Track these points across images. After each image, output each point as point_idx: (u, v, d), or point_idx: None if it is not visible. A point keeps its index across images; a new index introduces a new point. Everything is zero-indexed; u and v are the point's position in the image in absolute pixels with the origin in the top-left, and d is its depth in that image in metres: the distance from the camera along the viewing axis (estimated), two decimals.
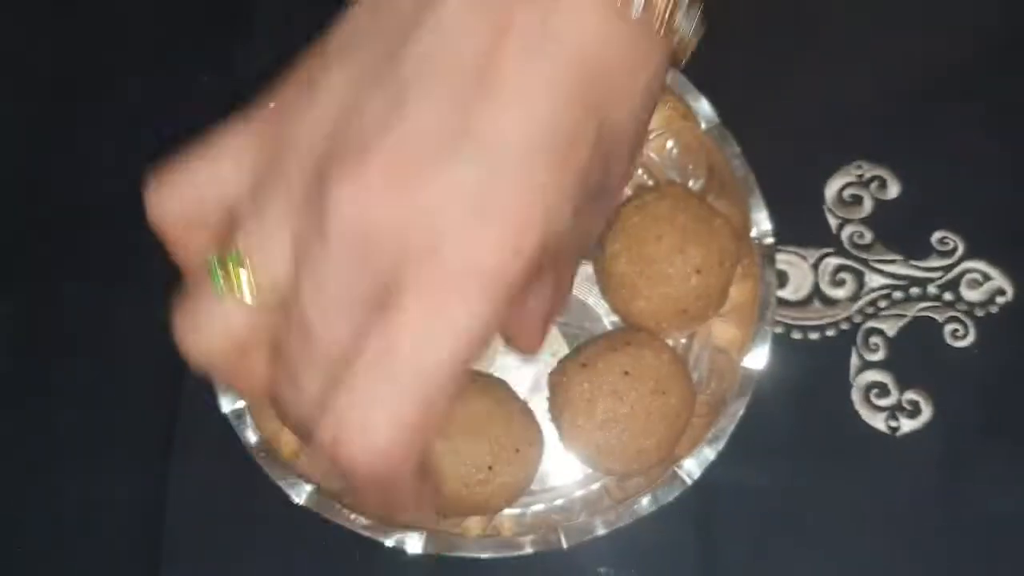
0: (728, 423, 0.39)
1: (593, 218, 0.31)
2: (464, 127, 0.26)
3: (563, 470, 0.42)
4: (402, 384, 0.26)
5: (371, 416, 0.26)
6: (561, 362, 0.41)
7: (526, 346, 0.35)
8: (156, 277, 0.45)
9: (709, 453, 0.39)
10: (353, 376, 0.26)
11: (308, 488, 0.39)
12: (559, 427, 0.40)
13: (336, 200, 0.26)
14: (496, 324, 0.27)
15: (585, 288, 0.44)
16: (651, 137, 0.43)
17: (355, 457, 0.27)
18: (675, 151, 0.44)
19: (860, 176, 0.46)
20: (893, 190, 0.46)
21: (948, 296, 0.45)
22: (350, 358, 0.27)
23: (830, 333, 0.44)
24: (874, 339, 0.44)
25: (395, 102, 0.26)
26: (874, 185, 0.46)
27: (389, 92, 0.26)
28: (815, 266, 0.45)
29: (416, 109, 0.26)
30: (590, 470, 0.41)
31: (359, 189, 0.26)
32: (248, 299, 0.28)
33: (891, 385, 0.44)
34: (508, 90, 0.26)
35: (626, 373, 0.38)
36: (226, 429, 0.40)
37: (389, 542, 0.39)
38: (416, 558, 0.39)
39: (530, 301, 0.33)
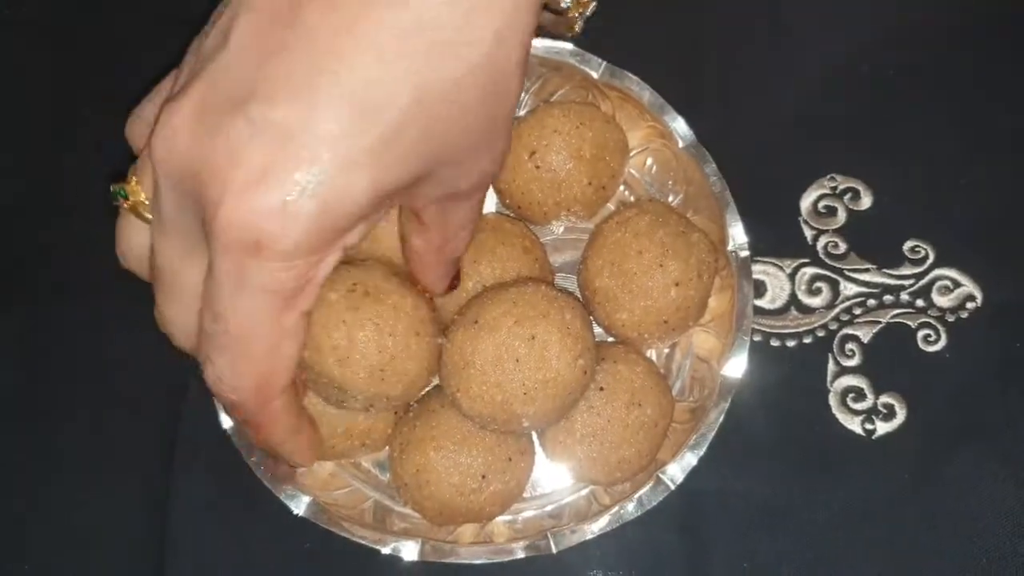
0: (709, 429, 0.40)
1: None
2: (262, 78, 0.25)
3: (553, 477, 0.43)
4: (232, 352, 0.28)
5: (223, 375, 0.29)
6: None
7: (429, 285, 0.36)
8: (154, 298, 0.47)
9: (691, 458, 0.40)
10: (205, 340, 0.29)
11: (307, 499, 0.40)
12: (543, 443, 0.41)
13: (156, 135, 0.27)
14: (303, 278, 0.27)
15: None
16: (632, 155, 0.44)
17: (225, 401, 0.30)
18: (654, 168, 0.45)
19: (834, 188, 0.47)
20: (866, 201, 0.47)
21: (920, 303, 0.46)
22: (203, 296, 0.28)
23: (807, 340, 0.46)
24: (850, 345, 0.46)
25: (220, 38, 0.27)
26: (847, 197, 0.47)
27: (221, 25, 0.27)
28: (792, 276, 0.47)
29: (230, 51, 0.26)
30: None
31: (171, 127, 0.27)
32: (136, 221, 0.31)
33: (867, 389, 0.45)
34: (315, 44, 0.25)
35: (601, 388, 0.39)
36: (226, 444, 0.41)
37: (385, 550, 0.40)
38: (411, 565, 0.40)
39: (413, 240, 0.33)
